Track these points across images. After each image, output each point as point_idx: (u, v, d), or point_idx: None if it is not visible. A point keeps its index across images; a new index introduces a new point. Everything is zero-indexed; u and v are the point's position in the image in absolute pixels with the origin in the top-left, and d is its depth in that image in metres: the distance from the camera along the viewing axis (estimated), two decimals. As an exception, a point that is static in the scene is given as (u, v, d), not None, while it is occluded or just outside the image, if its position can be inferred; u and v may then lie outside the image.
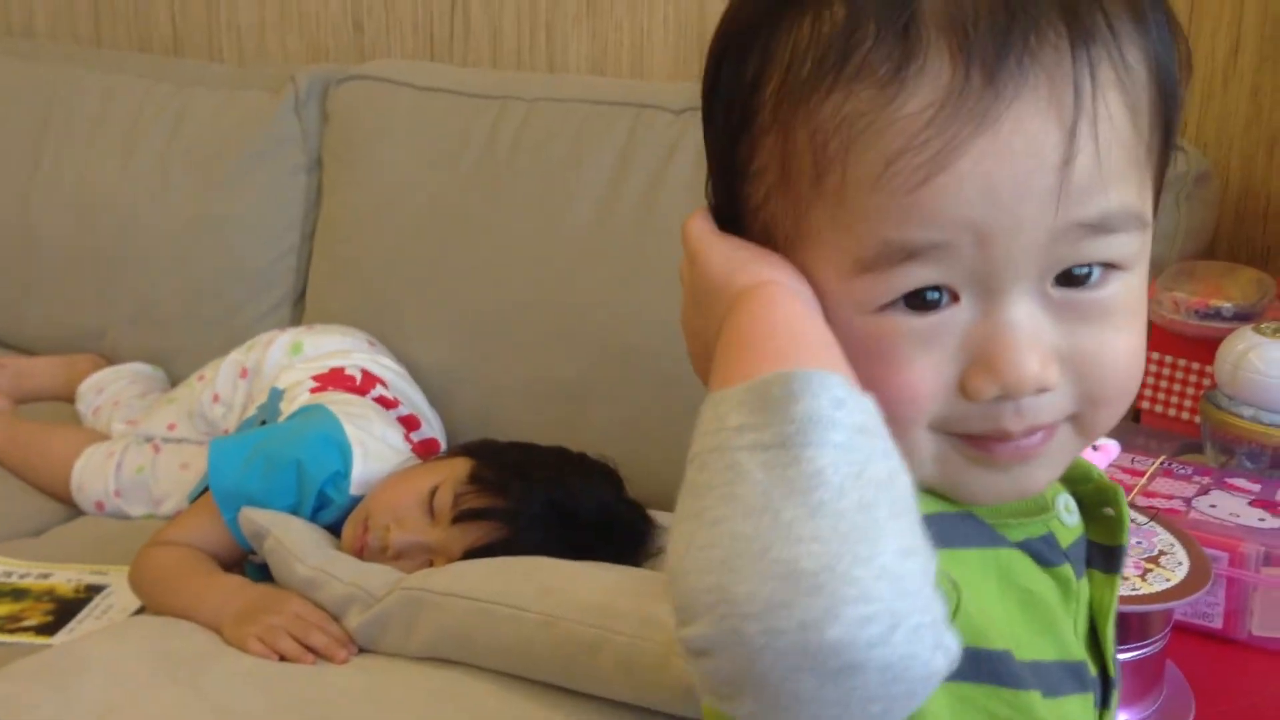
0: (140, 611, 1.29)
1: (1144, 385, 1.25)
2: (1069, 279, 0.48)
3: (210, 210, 1.77)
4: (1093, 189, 0.46)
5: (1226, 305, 1.19)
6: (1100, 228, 0.47)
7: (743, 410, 0.41)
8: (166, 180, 1.81)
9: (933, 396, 0.48)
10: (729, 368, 0.44)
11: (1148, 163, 0.49)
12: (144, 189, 1.81)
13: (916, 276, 0.47)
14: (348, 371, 1.49)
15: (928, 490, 0.50)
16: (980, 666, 0.48)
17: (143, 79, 1.89)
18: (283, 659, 1.14)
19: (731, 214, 0.52)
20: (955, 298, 0.48)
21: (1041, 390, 0.48)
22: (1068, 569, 0.54)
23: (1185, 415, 1.22)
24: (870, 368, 0.47)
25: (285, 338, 1.58)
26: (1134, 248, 0.49)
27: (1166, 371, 1.23)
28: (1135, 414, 1.27)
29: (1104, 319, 0.49)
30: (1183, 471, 1.06)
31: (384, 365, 1.55)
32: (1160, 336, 1.23)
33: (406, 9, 1.89)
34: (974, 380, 0.48)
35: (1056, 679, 0.51)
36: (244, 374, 1.57)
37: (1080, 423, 0.50)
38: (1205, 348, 1.14)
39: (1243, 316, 1.18)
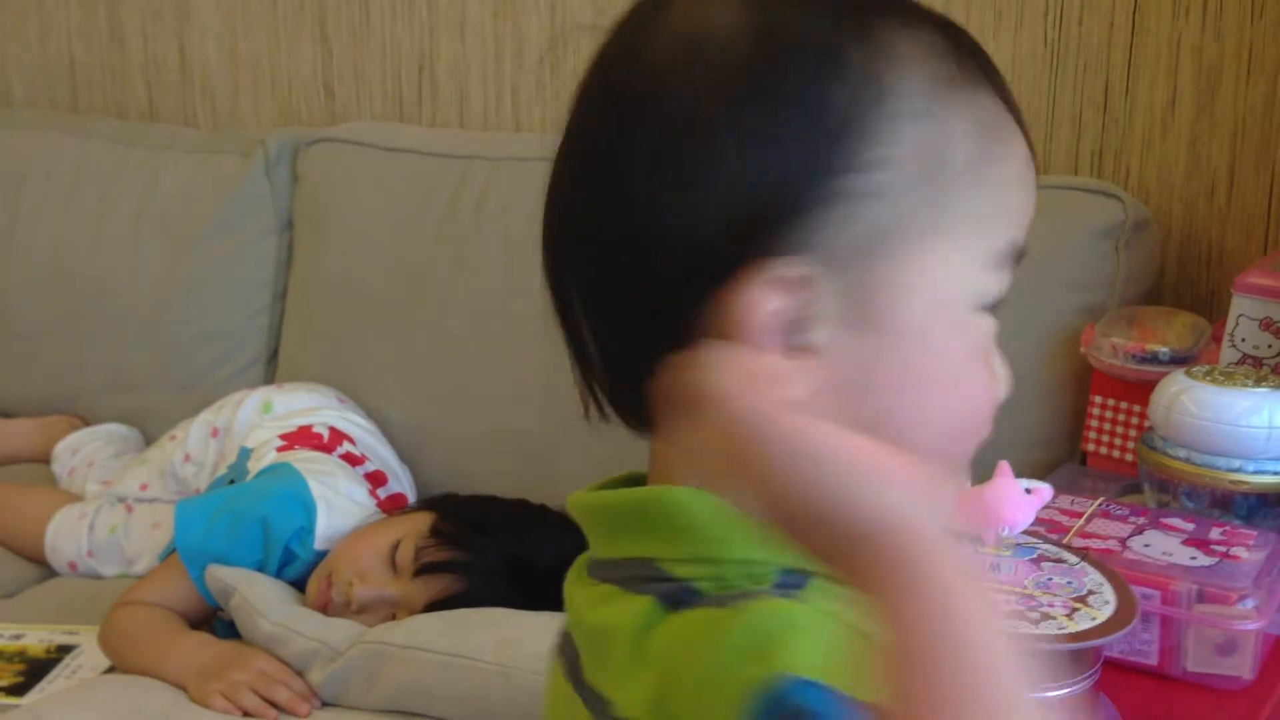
0: (110, 671, 1.30)
1: (1088, 428, 1.28)
2: None
3: (183, 273, 1.81)
4: None
5: (1163, 350, 1.22)
6: None
7: None
8: (139, 244, 1.84)
9: None
10: None
11: None
12: (117, 253, 1.84)
13: (1009, 280, 0.52)
14: (315, 429, 1.52)
15: None
16: None
17: (116, 145, 1.92)
18: (246, 715, 1.16)
19: (777, 227, 0.48)
20: None
21: None
22: None
23: (1128, 457, 1.25)
24: (971, 367, 0.51)
25: (256, 397, 1.61)
26: None
27: (1109, 414, 1.27)
28: (1081, 456, 1.30)
29: None
30: (1119, 512, 1.08)
31: (353, 422, 1.57)
32: (1101, 380, 1.26)
33: (375, 73, 1.94)
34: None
35: None
36: (215, 433, 1.59)
37: None
38: (1144, 391, 1.17)
39: (1179, 360, 1.21)
